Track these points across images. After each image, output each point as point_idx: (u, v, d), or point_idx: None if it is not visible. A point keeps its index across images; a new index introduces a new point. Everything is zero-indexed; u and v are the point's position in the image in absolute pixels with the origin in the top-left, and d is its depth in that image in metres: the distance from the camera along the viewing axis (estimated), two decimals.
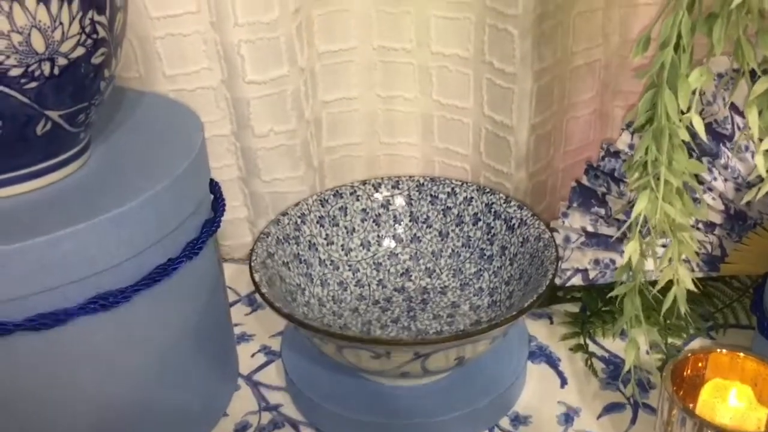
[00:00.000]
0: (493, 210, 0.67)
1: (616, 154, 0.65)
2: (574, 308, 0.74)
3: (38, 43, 0.44)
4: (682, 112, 0.47)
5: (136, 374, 0.54)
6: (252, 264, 0.60)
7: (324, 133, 0.81)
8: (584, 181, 0.67)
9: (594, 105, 0.81)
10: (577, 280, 0.71)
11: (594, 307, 0.72)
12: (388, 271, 0.70)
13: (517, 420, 0.62)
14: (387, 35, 0.76)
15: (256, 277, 0.58)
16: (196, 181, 0.56)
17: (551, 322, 0.73)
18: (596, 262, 0.70)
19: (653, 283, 0.55)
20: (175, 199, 0.53)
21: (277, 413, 0.64)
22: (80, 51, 0.47)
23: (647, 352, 0.68)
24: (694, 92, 0.47)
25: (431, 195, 0.71)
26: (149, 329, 0.54)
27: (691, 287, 0.51)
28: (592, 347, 0.69)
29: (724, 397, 0.52)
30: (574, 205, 0.67)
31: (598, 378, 0.66)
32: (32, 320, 0.48)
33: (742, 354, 0.52)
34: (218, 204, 0.60)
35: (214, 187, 0.61)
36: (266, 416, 0.64)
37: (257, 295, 0.78)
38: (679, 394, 0.52)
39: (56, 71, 0.46)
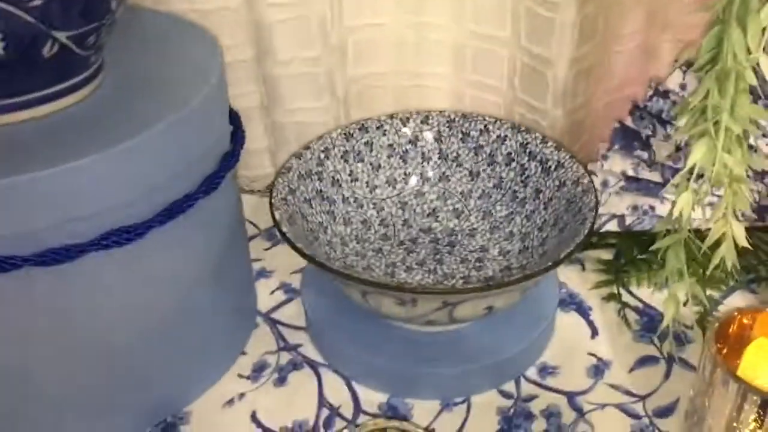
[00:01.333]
0: (528, 150, 0.63)
1: (666, 93, 0.60)
2: (607, 255, 0.70)
3: None
4: (749, 53, 0.42)
5: (152, 311, 0.52)
6: (272, 201, 0.57)
7: (350, 61, 0.77)
8: (628, 121, 0.62)
9: (639, 38, 0.76)
10: (612, 226, 0.67)
11: (629, 255, 0.69)
12: (414, 210, 0.67)
13: (545, 371, 0.60)
14: None
15: (277, 215, 0.55)
16: (214, 110, 0.53)
17: (583, 269, 0.69)
18: (634, 207, 0.66)
19: (698, 234, 0.52)
20: (192, 131, 0.50)
21: (296, 353, 0.62)
22: None
23: (684, 305, 0.65)
24: (764, 31, 0.42)
25: (462, 132, 0.66)
26: (165, 266, 0.52)
27: (745, 244, 0.47)
28: (625, 297, 0.66)
29: None
30: (616, 147, 0.63)
31: (632, 330, 0.63)
32: (42, 255, 0.45)
33: None
34: (238, 136, 0.57)
35: (234, 117, 0.57)
36: (285, 356, 0.62)
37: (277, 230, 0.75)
38: (723, 354, 0.49)
39: None
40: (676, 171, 0.63)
